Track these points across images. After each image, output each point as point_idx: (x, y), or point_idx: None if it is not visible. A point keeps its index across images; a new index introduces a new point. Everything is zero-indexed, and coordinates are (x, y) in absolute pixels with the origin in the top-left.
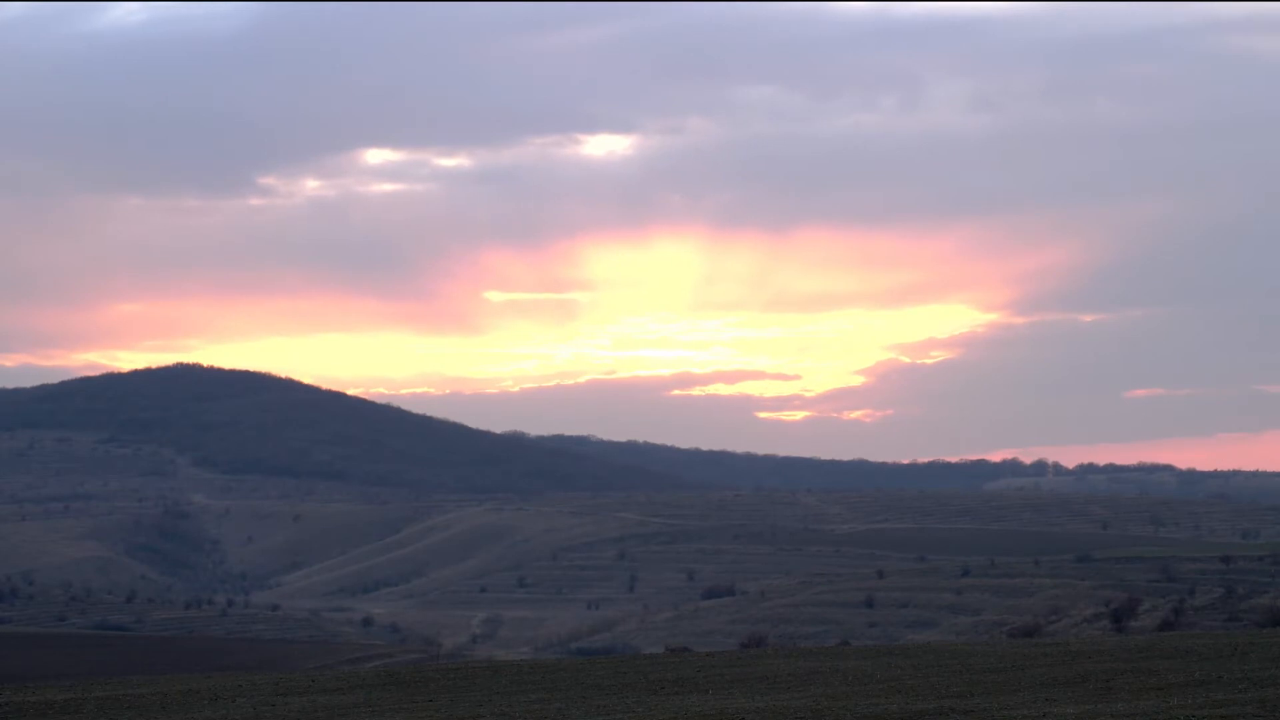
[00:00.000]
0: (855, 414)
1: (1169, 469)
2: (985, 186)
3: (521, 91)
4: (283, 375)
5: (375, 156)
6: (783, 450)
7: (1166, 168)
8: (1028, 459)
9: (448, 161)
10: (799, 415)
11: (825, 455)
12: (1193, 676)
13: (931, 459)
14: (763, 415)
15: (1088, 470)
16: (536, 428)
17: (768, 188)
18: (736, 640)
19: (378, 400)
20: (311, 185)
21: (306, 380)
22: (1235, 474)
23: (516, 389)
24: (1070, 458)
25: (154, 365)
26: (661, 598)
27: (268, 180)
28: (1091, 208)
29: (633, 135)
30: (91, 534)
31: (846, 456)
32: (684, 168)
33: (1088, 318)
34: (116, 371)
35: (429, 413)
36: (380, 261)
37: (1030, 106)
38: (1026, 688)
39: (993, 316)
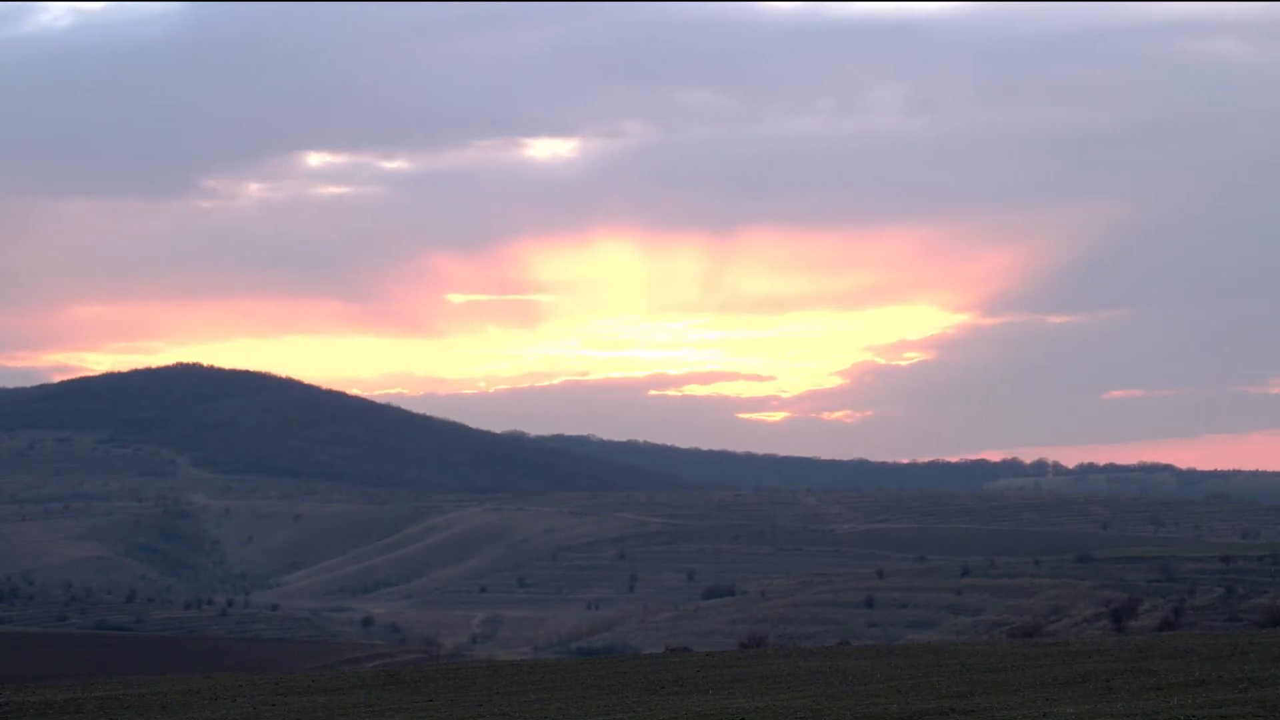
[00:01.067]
0: (836, 415)
1: (1169, 469)
2: (929, 188)
3: (462, 94)
4: (283, 375)
5: (316, 159)
6: (764, 450)
7: (1110, 170)
8: (1027, 459)
9: (392, 164)
10: (778, 416)
11: (807, 455)
12: (1193, 676)
13: (931, 459)
14: (744, 416)
15: (1088, 470)
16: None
17: (712, 190)
18: (736, 640)
19: (376, 400)
20: (255, 188)
21: (306, 380)
22: (1235, 474)
23: (492, 390)
24: (1068, 458)
25: (153, 365)
26: (661, 598)
27: (210, 183)
28: (1039, 210)
29: (575, 139)
30: (91, 534)
31: (828, 456)
32: (630, 171)
33: (1055, 319)
34: (117, 371)
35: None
36: (337, 264)
37: (969, 109)
38: (1026, 688)
39: (962, 318)
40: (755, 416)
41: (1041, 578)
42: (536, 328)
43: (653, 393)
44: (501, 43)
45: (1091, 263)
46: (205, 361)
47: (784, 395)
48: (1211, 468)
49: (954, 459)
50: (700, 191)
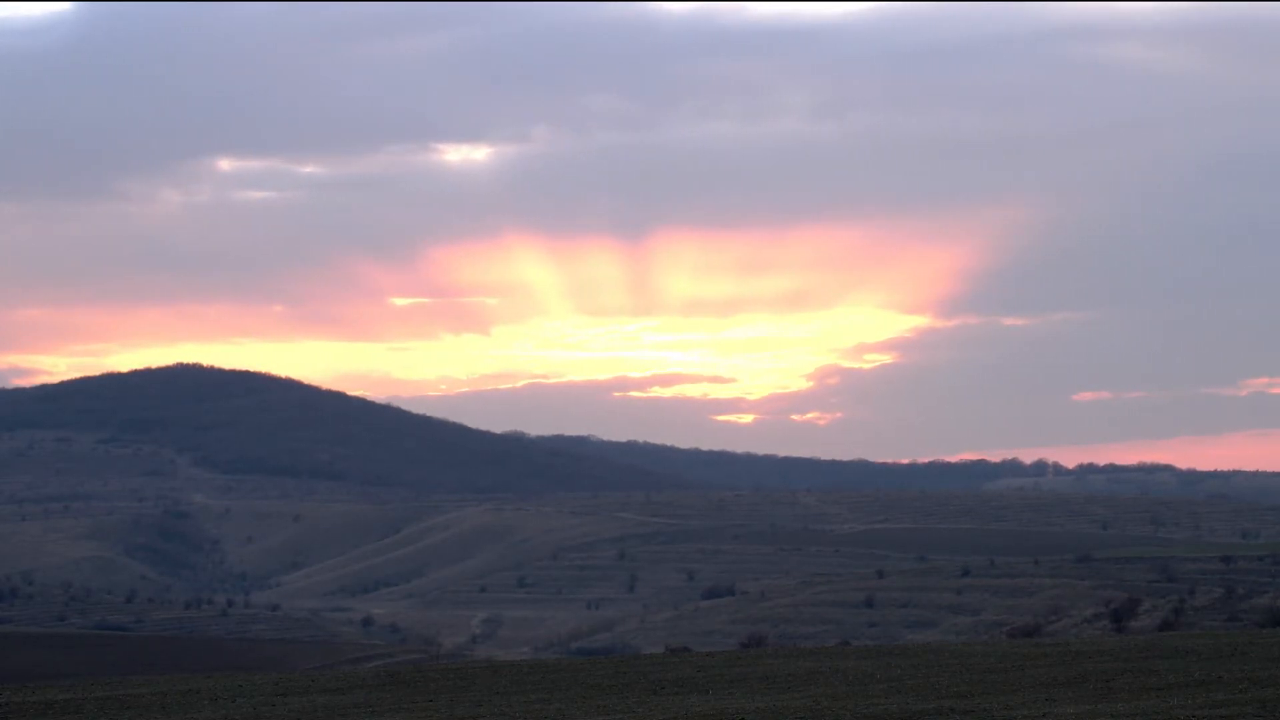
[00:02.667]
0: (806, 416)
1: (1169, 469)
2: (844, 192)
3: (369, 100)
4: (282, 375)
5: (228, 165)
6: (739, 450)
7: (1024, 174)
8: (1027, 459)
9: (308, 170)
10: (748, 418)
11: (781, 454)
12: (1193, 676)
13: (931, 459)
14: (717, 418)
15: (1088, 470)
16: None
17: (628, 194)
18: (736, 640)
19: (376, 400)
20: (174, 193)
21: (306, 380)
22: (1235, 474)
23: (455, 393)
24: (1068, 458)
25: (153, 365)
26: (661, 598)
27: (129, 187)
28: (960, 213)
29: (485, 144)
30: (91, 534)
31: (804, 456)
32: (544, 176)
33: (1009, 321)
34: (117, 372)
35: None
36: (273, 269)
37: (876, 114)
38: (1026, 688)
39: (921, 320)
40: (729, 418)
41: (1041, 578)
42: (490, 331)
43: (617, 395)
44: (405, 47)
45: (1030, 265)
46: (204, 361)
47: (750, 398)
48: (1229, 467)
49: (954, 459)
50: (617, 195)
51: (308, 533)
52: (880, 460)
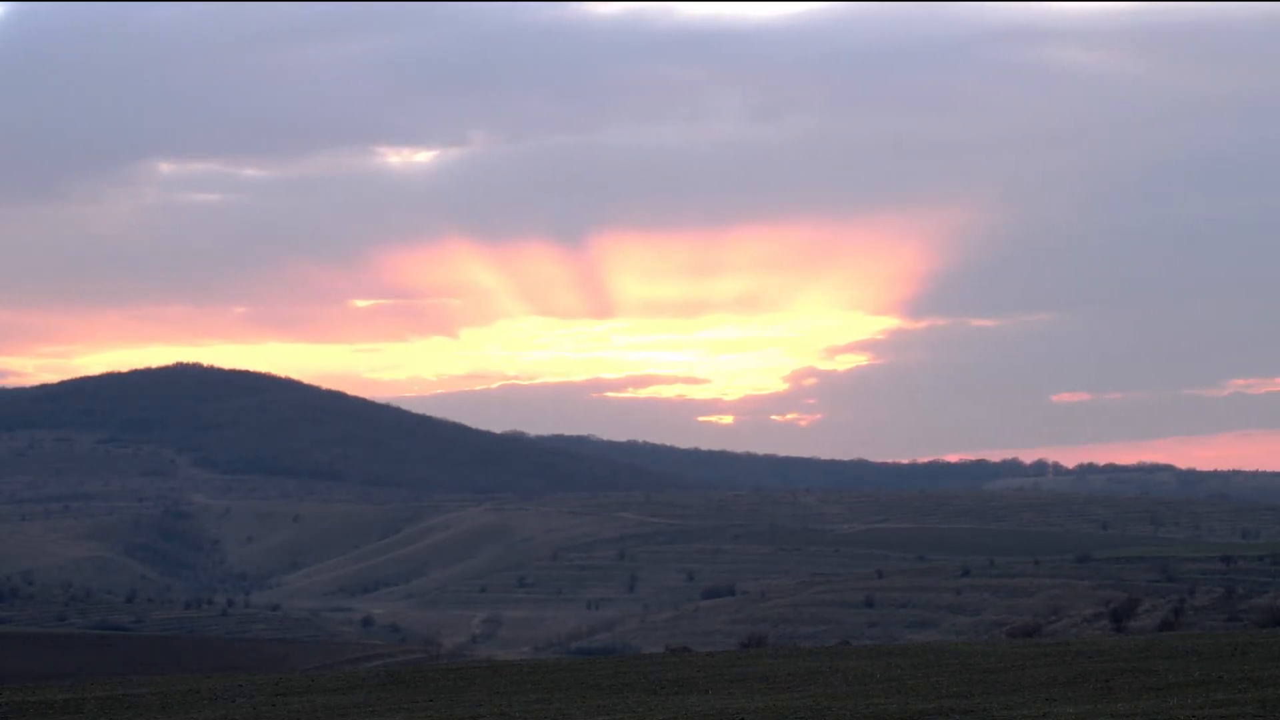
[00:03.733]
0: (786, 417)
1: (1169, 469)
2: (788, 194)
3: (307, 103)
4: (282, 375)
5: (173, 167)
6: (717, 448)
7: (972, 177)
8: (1027, 459)
9: (252, 172)
10: (728, 419)
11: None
12: (1193, 676)
13: (932, 459)
14: (699, 419)
15: (1088, 470)
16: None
17: (574, 197)
18: (736, 640)
19: (377, 400)
20: (117, 195)
21: (306, 380)
22: (1235, 474)
23: (429, 395)
24: (1068, 458)
25: (153, 365)
26: (661, 598)
27: (68, 189)
28: (908, 215)
29: (425, 148)
30: (91, 534)
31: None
32: (493, 178)
33: (976, 322)
34: (117, 372)
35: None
36: (229, 270)
37: (814, 117)
38: (1026, 688)
39: (892, 322)
40: (711, 419)
41: (1041, 578)
42: (457, 334)
43: (594, 396)
44: (339, 51)
45: (985, 267)
46: (205, 361)
47: (727, 399)
48: (1229, 468)
49: (953, 459)
50: (560, 198)
51: (308, 533)
52: (880, 460)
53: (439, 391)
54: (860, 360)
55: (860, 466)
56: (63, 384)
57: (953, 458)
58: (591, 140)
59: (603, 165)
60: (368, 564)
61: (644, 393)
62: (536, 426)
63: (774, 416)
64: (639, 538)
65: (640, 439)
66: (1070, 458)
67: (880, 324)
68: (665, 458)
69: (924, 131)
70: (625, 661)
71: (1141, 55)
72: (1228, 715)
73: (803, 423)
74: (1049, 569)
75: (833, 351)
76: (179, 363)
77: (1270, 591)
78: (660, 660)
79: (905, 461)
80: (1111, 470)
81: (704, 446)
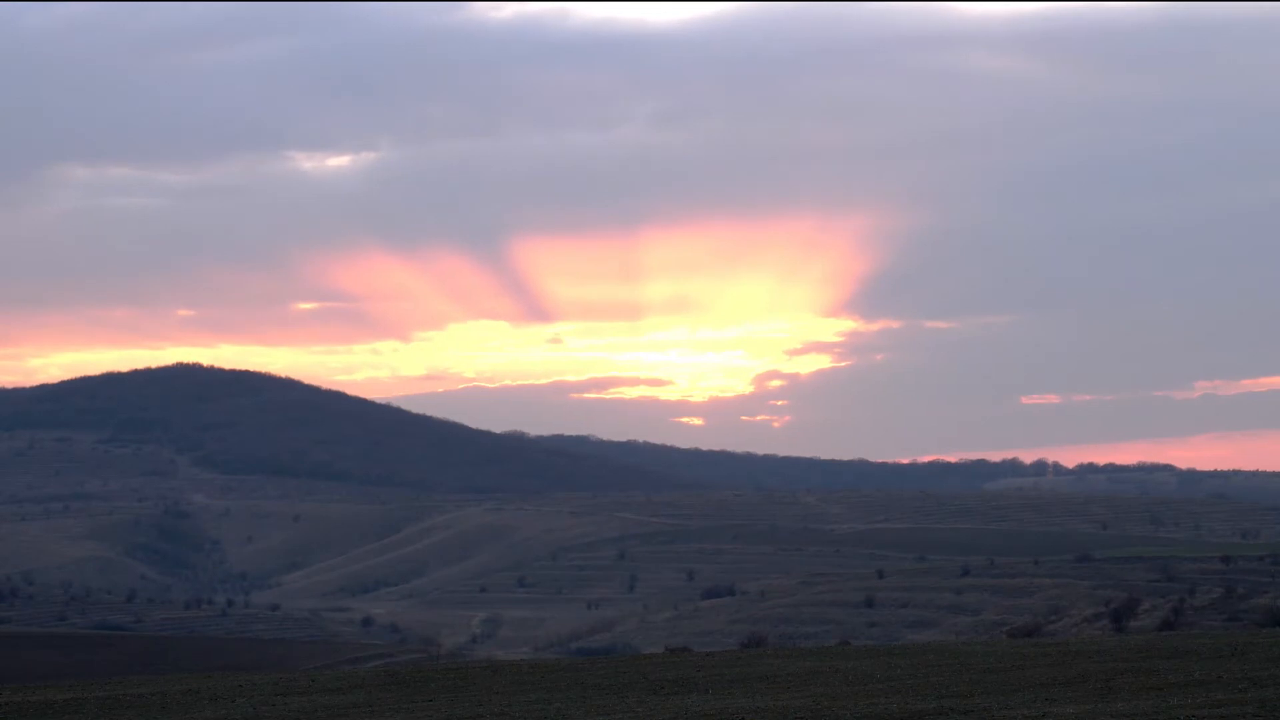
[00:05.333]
0: (756, 418)
1: (1169, 469)
2: (709, 198)
3: (214, 108)
4: (282, 375)
5: (89, 172)
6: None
7: (886, 181)
8: (1028, 459)
9: (173, 177)
10: (697, 420)
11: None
12: (1193, 676)
13: (932, 459)
14: (678, 420)
15: (1088, 470)
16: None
17: (489, 202)
18: (736, 640)
19: (377, 400)
20: (36, 199)
21: (306, 380)
22: (1235, 474)
23: (390, 398)
24: (1068, 458)
25: (154, 365)
26: (661, 598)
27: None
28: (824, 218)
29: (340, 153)
30: (91, 534)
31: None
32: (407, 183)
33: (930, 324)
34: (117, 372)
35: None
36: (160, 274)
37: (719, 122)
38: (1026, 688)
39: (850, 324)
40: (683, 420)
41: (1041, 578)
42: (410, 337)
43: (566, 397)
44: (236, 55)
45: (922, 268)
46: (205, 361)
47: (694, 400)
48: (1229, 468)
49: (954, 459)
50: (475, 203)
51: (307, 533)
52: (879, 460)
53: (403, 394)
54: (823, 362)
55: (860, 466)
56: (63, 384)
57: (952, 457)
58: (500, 146)
59: (515, 171)
60: (368, 564)
61: (609, 395)
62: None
63: (744, 418)
64: (639, 538)
65: (640, 439)
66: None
67: (837, 326)
68: (665, 458)
69: (834, 136)
70: (625, 661)
71: (1044, 60)
72: (1228, 715)
73: (775, 424)
74: (1049, 569)
75: (793, 353)
76: (179, 363)
77: (1270, 591)
78: (660, 660)
79: (905, 461)
80: (1111, 470)
81: (681, 446)
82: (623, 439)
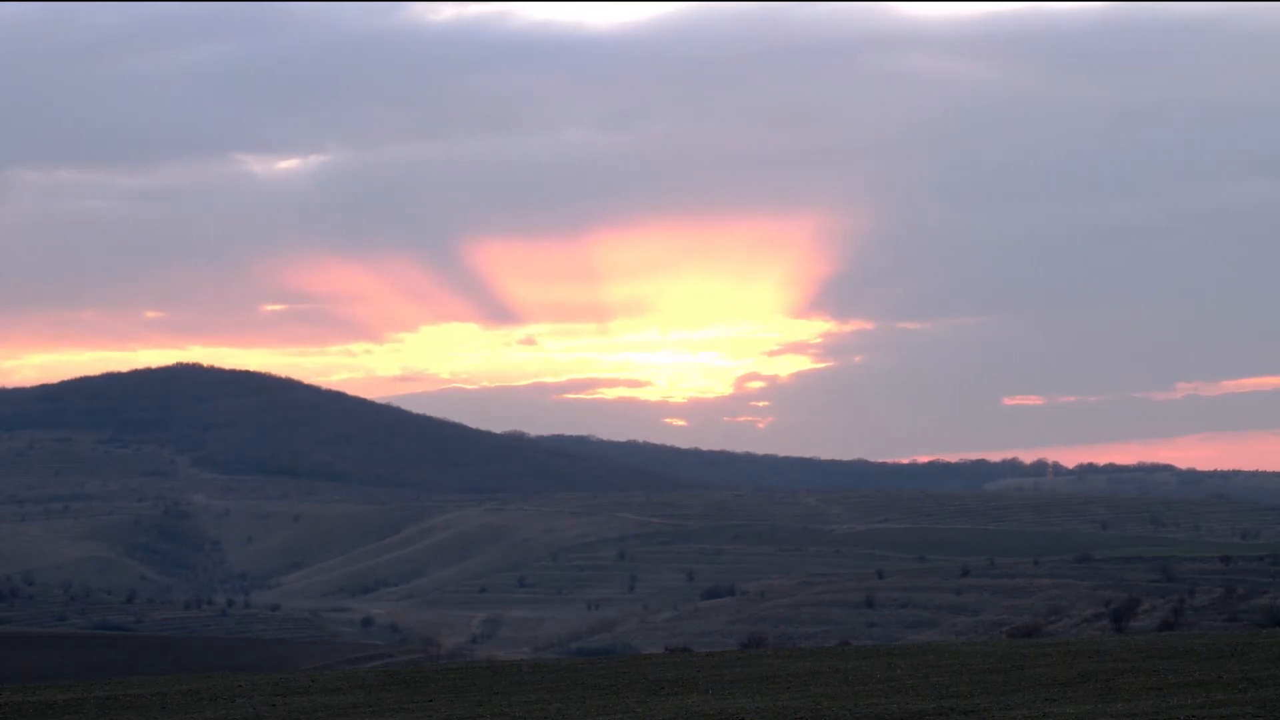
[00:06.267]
0: (739, 419)
1: (1169, 469)
2: (662, 199)
3: (161, 110)
4: (282, 375)
5: (44, 175)
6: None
7: (845, 182)
8: (1028, 459)
9: (124, 180)
10: (680, 421)
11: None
12: (1193, 676)
13: (932, 459)
14: (664, 421)
15: (1088, 470)
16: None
17: (442, 205)
18: (736, 640)
19: (377, 400)
20: None
21: (306, 380)
22: (1235, 474)
23: (375, 397)
24: (1069, 458)
25: (154, 365)
26: (661, 598)
27: None
28: (780, 220)
29: (288, 156)
30: (91, 534)
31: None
32: (358, 186)
33: (904, 325)
34: (116, 372)
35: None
36: (124, 276)
37: (665, 125)
38: (1026, 688)
39: (826, 325)
40: (668, 421)
41: (1041, 578)
42: (383, 338)
43: (539, 399)
44: (179, 58)
45: (886, 269)
46: (204, 362)
47: (674, 401)
48: (1229, 467)
49: (954, 459)
50: (425, 206)
51: (308, 533)
52: (879, 460)
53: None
54: (803, 363)
55: (860, 466)
56: (63, 384)
57: (952, 457)
58: (447, 149)
59: (463, 174)
60: (368, 564)
61: (590, 395)
62: (545, 427)
63: (726, 419)
64: (639, 538)
65: (640, 439)
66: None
67: (812, 327)
68: (665, 458)
69: (782, 138)
70: (625, 661)
71: (996, 61)
72: (1228, 715)
73: (760, 424)
74: (1049, 569)
75: (771, 354)
76: (179, 363)
77: (1270, 592)
78: (660, 660)
79: (905, 461)
80: (1111, 470)
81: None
82: (622, 439)
